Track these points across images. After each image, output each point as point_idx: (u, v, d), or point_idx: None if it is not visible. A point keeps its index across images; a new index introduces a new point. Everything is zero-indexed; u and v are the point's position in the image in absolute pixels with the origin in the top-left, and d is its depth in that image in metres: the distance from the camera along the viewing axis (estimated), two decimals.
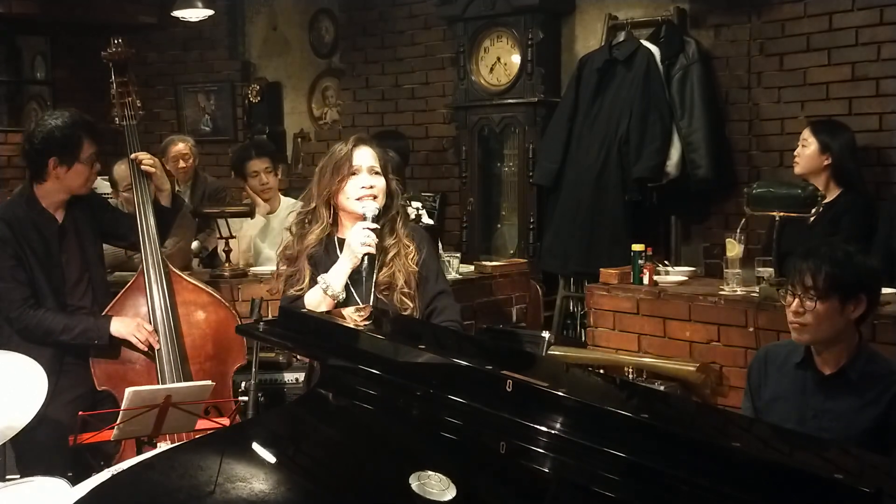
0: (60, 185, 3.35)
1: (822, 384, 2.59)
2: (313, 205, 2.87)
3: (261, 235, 4.64)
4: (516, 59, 5.59)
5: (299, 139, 7.04)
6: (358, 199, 2.79)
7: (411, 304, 2.76)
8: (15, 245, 3.28)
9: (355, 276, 2.77)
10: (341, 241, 2.83)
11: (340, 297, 2.75)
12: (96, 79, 3.68)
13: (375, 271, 2.77)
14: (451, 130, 6.10)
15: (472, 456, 1.74)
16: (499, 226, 5.92)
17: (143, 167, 3.46)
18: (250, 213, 4.38)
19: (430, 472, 1.65)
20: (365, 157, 2.83)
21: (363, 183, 2.80)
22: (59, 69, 7.05)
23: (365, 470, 1.83)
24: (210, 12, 6.29)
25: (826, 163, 3.95)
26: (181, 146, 5.13)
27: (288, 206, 4.68)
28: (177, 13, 6.23)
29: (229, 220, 4.26)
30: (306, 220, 2.88)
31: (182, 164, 5.09)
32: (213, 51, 7.17)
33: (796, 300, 2.54)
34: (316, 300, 2.75)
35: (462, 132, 5.89)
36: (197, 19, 6.36)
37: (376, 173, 2.82)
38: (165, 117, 7.21)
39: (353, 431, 1.98)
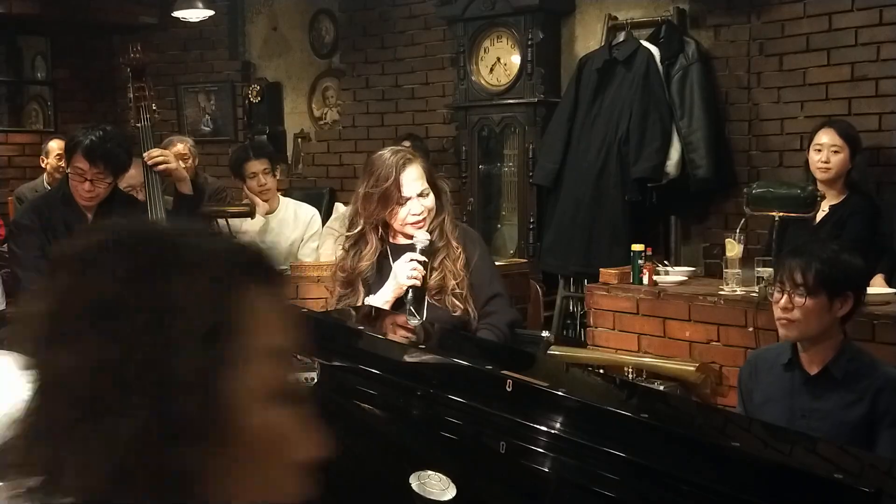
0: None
1: (809, 384, 2.61)
2: (359, 229, 2.79)
3: (260, 235, 4.64)
4: (516, 59, 5.59)
5: (300, 139, 7.05)
6: (408, 225, 2.75)
7: (462, 307, 2.71)
8: (41, 237, 3.36)
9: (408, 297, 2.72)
10: (393, 247, 2.79)
11: None
12: (97, 79, 3.74)
13: (428, 277, 2.73)
14: (451, 130, 6.10)
15: (472, 456, 1.74)
16: (499, 226, 5.92)
17: (157, 169, 3.52)
18: (251, 213, 4.38)
19: (429, 472, 1.65)
20: (413, 181, 2.73)
21: (414, 211, 2.73)
22: (59, 69, 7.06)
23: (364, 469, 1.83)
24: (210, 12, 6.30)
25: (850, 166, 3.89)
26: (180, 147, 5.14)
27: (286, 206, 4.70)
28: (177, 13, 6.24)
29: (230, 220, 4.26)
30: (357, 242, 2.81)
31: (181, 164, 5.08)
32: (214, 51, 7.17)
33: (785, 296, 2.56)
34: None
35: (462, 132, 5.89)
36: (197, 19, 6.37)
37: (426, 195, 2.75)
38: (166, 117, 7.18)
39: (352, 431, 1.98)
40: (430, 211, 2.77)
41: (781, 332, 2.62)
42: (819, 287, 2.50)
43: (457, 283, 2.72)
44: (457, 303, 2.71)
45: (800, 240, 3.58)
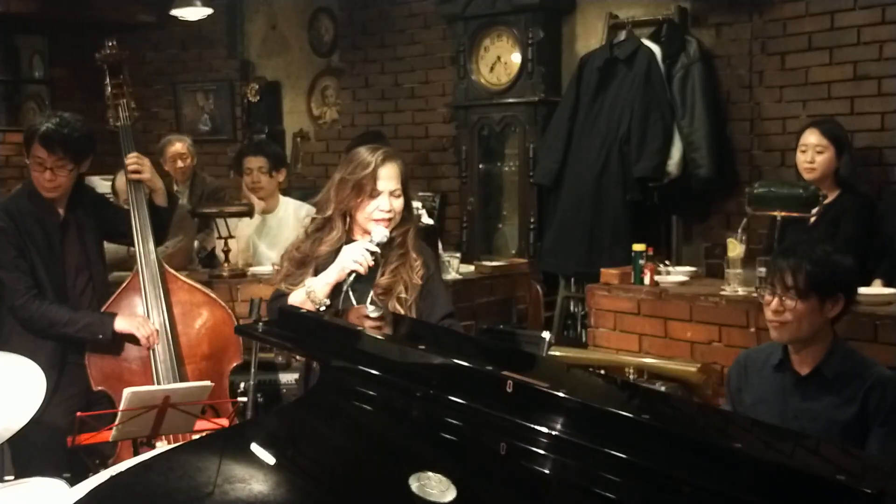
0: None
1: (800, 384, 2.61)
2: (329, 213, 2.82)
3: (258, 234, 4.64)
4: (516, 58, 5.59)
5: (298, 139, 7.04)
6: (375, 221, 2.77)
7: (403, 312, 2.73)
8: (17, 236, 3.31)
9: (352, 285, 2.75)
10: (352, 242, 2.81)
11: (323, 304, 2.74)
12: (94, 78, 3.67)
13: (378, 275, 2.76)
14: (451, 130, 6.09)
15: (472, 457, 1.73)
16: (499, 226, 5.92)
17: (131, 176, 3.45)
18: (249, 213, 4.37)
19: (429, 473, 1.64)
20: (389, 178, 2.77)
21: (382, 207, 2.76)
22: (57, 68, 7.05)
23: (364, 471, 1.83)
24: (209, 11, 6.29)
25: (836, 165, 3.89)
26: (179, 146, 5.14)
27: (286, 206, 4.70)
28: (175, 12, 6.24)
29: (228, 219, 4.25)
30: (322, 228, 2.85)
31: (180, 163, 5.09)
32: (212, 50, 7.17)
33: (776, 299, 2.56)
34: (298, 301, 2.75)
35: (462, 132, 5.88)
36: (196, 18, 6.37)
37: (397, 196, 2.78)
38: (164, 116, 7.21)
39: (352, 432, 1.97)
40: (397, 213, 2.80)
41: (773, 334, 2.62)
42: (810, 289, 2.50)
43: (405, 289, 2.75)
44: (399, 308, 2.73)
45: (796, 239, 3.57)
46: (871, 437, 2.49)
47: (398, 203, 2.79)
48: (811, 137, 3.91)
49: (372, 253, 2.71)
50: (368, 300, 2.75)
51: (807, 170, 3.90)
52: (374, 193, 2.75)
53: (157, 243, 3.54)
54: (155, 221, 3.49)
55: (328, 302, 2.74)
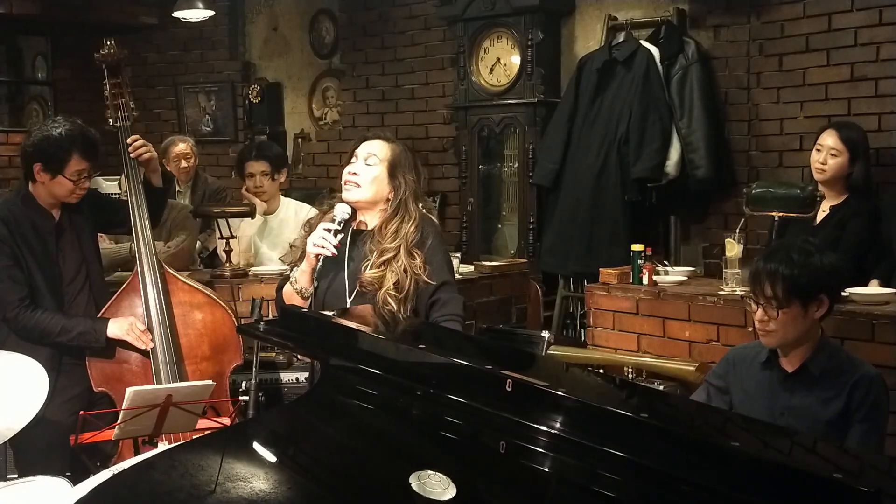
0: (46, 190, 3.32)
1: (787, 381, 2.62)
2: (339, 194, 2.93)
3: (259, 235, 4.65)
4: (516, 59, 5.60)
5: (300, 139, 7.06)
6: (344, 185, 2.84)
7: (395, 306, 2.73)
8: (12, 244, 3.27)
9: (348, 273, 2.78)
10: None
11: (307, 292, 2.79)
12: (97, 79, 3.67)
13: (366, 268, 2.78)
14: (451, 131, 6.11)
15: (472, 455, 1.74)
16: (499, 226, 5.93)
17: (142, 158, 3.43)
18: (251, 214, 4.38)
19: (430, 472, 1.65)
20: (367, 147, 2.87)
21: (351, 169, 2.85)
22: (59, 70, 7.06)
23: (365, 469, 1.84)
24: (210, 13, 6.30)
25: (849, 171, 3.85)
26: (182, 146, 5.15)
27: (287, 207, 4.71)
28: (177, 14, 6.24)
29: (229, 220, 4.26)
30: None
31: (184, 163, 5.11)
32: (214, 51, 7.18)
33: (760, 309, 2.56)
34: (288, 293, 2.86)
35: (462, 132, 5.89)
36: (197, 20, 6.37)
37: (370, 164, 2.84)
38: (166, 117, 7.23)
39: (353, 431, 1.98)
40: (366, 180, 2.83)
41: (763, 340, 2.64)
42: (790, 297, 2.50)
43: (395, 284, 2.74)
44: (390, 301, 2.73)
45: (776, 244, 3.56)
46: (851, 431, 2.50)
47: (368, 170, 2.83)
48: (828, 139, 3.85)
49: (336, 233, 2.74)
50: (354, 293, 2.78)
51: (818, 170, 3.86)
52: (350, 159, 2.88)
53: (153, 225, 3.54)
54: (152, 201, 3.49)
55: (312, 290, 2.77)
